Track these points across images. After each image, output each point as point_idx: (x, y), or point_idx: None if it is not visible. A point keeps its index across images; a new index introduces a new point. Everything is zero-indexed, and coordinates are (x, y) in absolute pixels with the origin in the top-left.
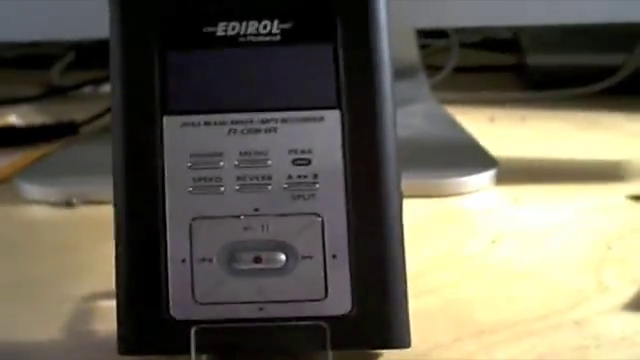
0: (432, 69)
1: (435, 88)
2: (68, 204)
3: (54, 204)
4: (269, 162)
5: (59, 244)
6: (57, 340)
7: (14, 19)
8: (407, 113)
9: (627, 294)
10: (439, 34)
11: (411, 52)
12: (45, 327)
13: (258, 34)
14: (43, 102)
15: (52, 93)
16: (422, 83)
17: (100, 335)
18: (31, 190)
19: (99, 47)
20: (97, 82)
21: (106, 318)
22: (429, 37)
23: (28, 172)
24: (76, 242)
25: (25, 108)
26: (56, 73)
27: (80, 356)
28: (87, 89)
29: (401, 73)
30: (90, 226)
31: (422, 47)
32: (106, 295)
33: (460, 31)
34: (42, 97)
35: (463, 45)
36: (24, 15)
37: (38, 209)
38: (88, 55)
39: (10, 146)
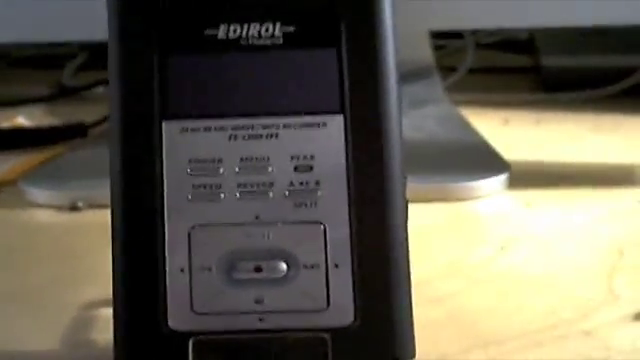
0: (447, 70)
1: (449, 89)
2: (73, 208)
3: (59, 208)
4: (270, 168)
5: (61, 249)
6: (54, 349)
7: (27, 20)
8: (420, 115)
9: (639, 303)
10: (454, 35)
11: (425, 53)
12: (43, 335)
13: (260, 37)
14: (54, 103)
15: (63, 94)
16: (436, 84)
17: (98, 345)
18: (36, 194)
19: None
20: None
21: (105, 327)
22: (444, 38)
23: (33, 175)
24: (79, 247)
25: (35, 109)
26: (68, 74)
27: None
28: (99, 90)
29: (415, 74)
30: (94, 231)
31: (437, 48)
32: (106, 303)
33: (476, 32)
34: (53, 98)
35: (479, 46)
36: (37, 16)
37: (42, 213)
38: (101, 56)
39: (17, 148)
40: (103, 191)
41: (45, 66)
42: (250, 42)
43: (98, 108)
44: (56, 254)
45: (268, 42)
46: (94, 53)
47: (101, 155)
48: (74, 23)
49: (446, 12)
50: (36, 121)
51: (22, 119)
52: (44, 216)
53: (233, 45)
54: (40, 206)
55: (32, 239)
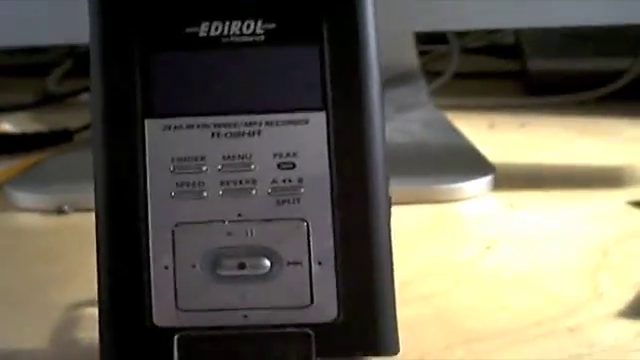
0: (433, 75)
1: (435, 94)
2: (59, 212)
3: (45, 212)
4: (253, 166)
5: (47, 251)
6: (40, 348)
7: (12, 23)
8: (405, 119)
9: (623, 301)
10: (440, 40)
11: (410, 57)
12: (29, 335)
13: (242, 34)
14: (39, 110)
15: (48, 101)
16: (421, 89)
17: (84, 343)
18: (22, 197)
19: None
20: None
21: (91, 326)
22: (430, 43)
23: (19, 179)
24: (65, 250)
25: (21, 116)
26: (53, 81)
27: None
28: (84, 97)
29: (400, 78)
30: (80, 234)
31: (423, 53)
32: (91, 303)
33: (461, 36)
34: (38, 104)
35: (465, 51)
36: (21, 19)
37: (28, 217)
38: (86, 63)
39: (3, 154)
40: (89, 195)
41: (30, 73)
42: (232, 39)
43: (83, 115)
44: (42, 256)
45: (250, 39)
46: (79, 60)
47: (87, 160)
48: (59, 26)
49: (431, 13)
50: (21, 128)
51: (7, 126)
52: (30, 220)
53: (215, 43)
54: (26, 210)
55: (18, 242)
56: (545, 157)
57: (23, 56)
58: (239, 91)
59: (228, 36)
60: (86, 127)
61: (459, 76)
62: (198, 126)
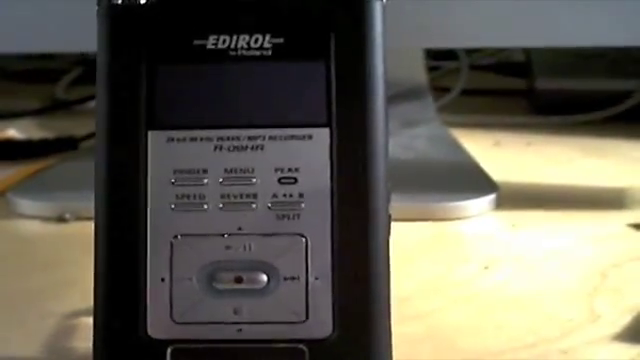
0: (441, 90)
1: (443, 110)
2: (61, 220)
3: (46, 219)
4: (254, 180)
5: (47, 260)
6: (36, 356)
7: (25, 29)
8: (411, 135)
9: (619, 324)
10: (450, 56)
11: (419, 73)
12: (25, 343)
13: (249, 48)
14: (47, 117)
15: (55, 107)
16: (428, 105)
17: (79, 352)
18: (24, 205)
19: None
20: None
21: (86, 335)
22: (440, 59)
23: (22, 186)
24: (64, 258)
25: (27, 122)
26: (62, 87)
27: None
28: (91, 104)
29: (408, 94)
30: (81, 242)
31: (432, 69)
32: (88, 312)
33: (471, 54)
34: (45, 111)
35: (474, 68)
36: (34, 26)
37: (30, 224)
38: (95, 70)
39: (7, 160)
40: (91, 203)
41: (39, 80)
42: (239, 53)
43: (90, 122)
44: (41, 264)
45: (257, 53)
46: (89, 67)
47: (91, 168)
48: (72, 33)
49: (441, 30)
50: (28, 134)
51: (13, 132)
52: (31, 227)
53: (222, 56)
54: (28, 217)
55: (18, 249)
56: (549, 177)
57: (32, 62)
58: (244, 105)
59: (235, 50)
60: (92, 135)
61: (467, 93)
62: (201, 139)
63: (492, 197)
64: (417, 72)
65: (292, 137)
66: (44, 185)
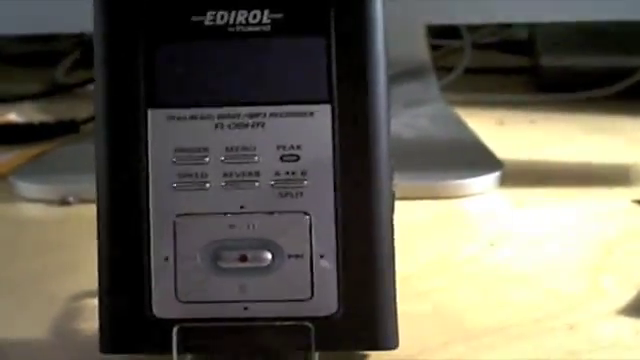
0: (444, 70)
1: (446, 89)
2: (64, 202)
3: (49, 202)
4: (256, 158)
5: (50, 242)
6: (42, 338)
7: (21, 12)
8: (414, 114)
9: (624, 299)
10: (453, 34)
11: (422, 52)
12: (31, 325)
13: (248, 24)
14: (47, 100)
15: (56, 91)
16: (431, 84)
17: (85, 334)
18: (26, 188)
19: None
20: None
21: (91, 316)
22: (442, 38)
23: (24, 170)
24: (68, 240)
25: (28, 106)
26: (61, 71)
27: (64, 354)
28: (92, 87)
29: (411, 73)
30: (84, 225)
31: (435, 48)
32: (93, 294)
33: (474, 32)
34: (45, 95)
35: (477, 46)
36: (31, 8)
37: (33, 207)
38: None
39: (8, 143)
40: (93, 186)
41: (38, 63)
42: (237, 29)
43: (90, 105)
44: (45, 247)
45: (256, 29)
46: (88, 50)
47: (92, 151)
48: (68, 15)
49: (444, 5)
50: (28, 118)
51: (14, 115)
52: (34, 210)
53: (220, 32)
54: (30, 200)
55: (21, 232)
56: (553, 154)
57: (32, 45)
58: (244, 82)
59: (234, 26)
60: (93, 118)
61: (470, 71)
62: (202, 117)
63: (496, 175)
64: (420, 51)
65: (293, 114)
66: (47, 168)
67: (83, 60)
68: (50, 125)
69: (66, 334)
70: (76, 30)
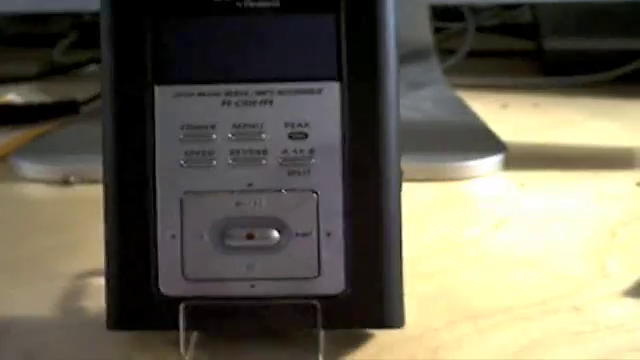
0: (447, 52)
1: (449, 72)
2: (65, 182)
3: (51, 182)
4: (264, 135)
5: (53, 222)
6: (47, 316)
7: None
8: (418, 97)
9: (629, 281)
10: (456, 17)
11: (425, 34)
12: (36, 303)
13: (257, 0)
14: (45, 81)
15: (54, 72)
16: (435, 67)
17: (91, 312)
18: (27, 168)
19: None
20: (100, 61)
21: (97, 295)
22: (446, 20)
23: (25, 150)
24: (69, 220)
25: (27, 87)
26: (59, 52)
27: (70, 332)
28: (90, 68)
29: (414, 55)
30: (86, 204)
31: (438, 30)
32: (98, 272)
33: (477, 14)
34: (44, 76)
35: (479, 29)
36: None
37: (34, 187)
38: (92, 34)
39: (8, 124)
40: (95, 166)
41: (36, 44)
42: (246, 5)
43: (90, 86)
44: (47, 226)
45: (265, 5)
46: (85, 31)
47: (93, 131)
48: None
49: None
50: (27, 99)
51: (13, 96)
52: (35, 190)
53: (229, 8)
54: (31, 180)
55: (23, 212)
56: (557, 137)
57: (29, 26)
58: (252, 59)
59: (242, 1)
60: (92, 99)
61: (473, 54)
62: (209, 94)
63: (500, 157)
64: (423, 34)
65: (302, 91)
66: (48, 148)
67: (81, 41)
68: (50, 106)
69: (68, 312)
70: (76, 7)
